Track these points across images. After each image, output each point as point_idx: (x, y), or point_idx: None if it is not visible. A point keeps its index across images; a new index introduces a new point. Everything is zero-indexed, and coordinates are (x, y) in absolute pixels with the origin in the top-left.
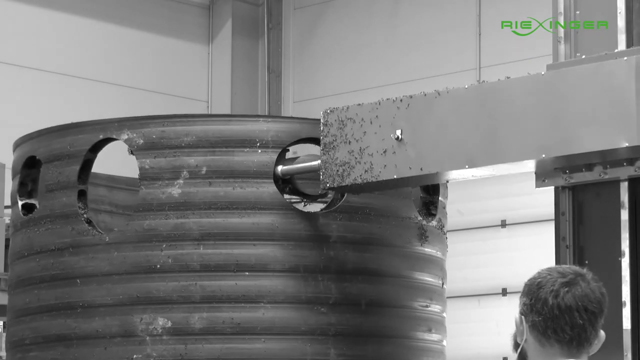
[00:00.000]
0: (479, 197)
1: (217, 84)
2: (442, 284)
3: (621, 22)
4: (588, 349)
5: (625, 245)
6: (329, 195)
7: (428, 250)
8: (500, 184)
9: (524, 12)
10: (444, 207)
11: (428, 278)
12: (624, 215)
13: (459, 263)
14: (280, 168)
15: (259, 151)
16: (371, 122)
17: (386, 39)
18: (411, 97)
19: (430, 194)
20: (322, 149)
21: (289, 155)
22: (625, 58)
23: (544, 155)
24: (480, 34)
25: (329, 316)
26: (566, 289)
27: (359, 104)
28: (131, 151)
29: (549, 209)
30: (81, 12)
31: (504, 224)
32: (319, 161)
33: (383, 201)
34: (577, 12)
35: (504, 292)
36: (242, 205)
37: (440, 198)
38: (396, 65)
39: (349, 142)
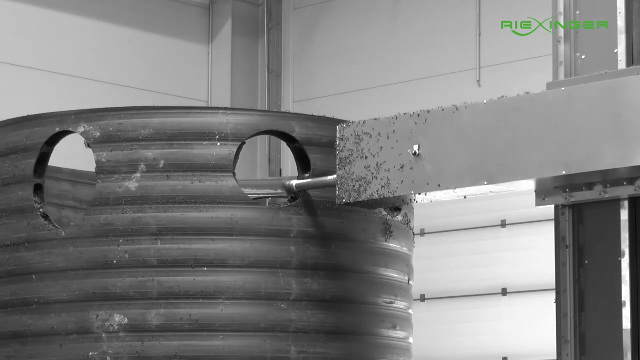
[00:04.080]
0: (479, 197)
1: (217, 84)
2: (408, 280)
3: (621, 22)
4: None
5: (625, 245)
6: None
7: (393, 245)
8: None
9: (524, 12)
10: None
11: (393, 274)
12: (624, 215)
13: (459, 263)
14: (295, 183)
15: (218, 144)
16: (388, 137)
17: (386, 39)
18: (429, 112)
19: None
20: (339, 164)
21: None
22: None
23: (564, 172)
24: (480, 34)
25: (289, 312)
26: None
27: (376, 119)
28: (88, 144)
29: (549, 209)
30: (80, 12)
31: (504, 224)
32: (335, 176)
33: None
34: (577, 12)
35: (504, 292)
36: (200, 200)
37: None
38: (396, 65)
39: (366, 157)
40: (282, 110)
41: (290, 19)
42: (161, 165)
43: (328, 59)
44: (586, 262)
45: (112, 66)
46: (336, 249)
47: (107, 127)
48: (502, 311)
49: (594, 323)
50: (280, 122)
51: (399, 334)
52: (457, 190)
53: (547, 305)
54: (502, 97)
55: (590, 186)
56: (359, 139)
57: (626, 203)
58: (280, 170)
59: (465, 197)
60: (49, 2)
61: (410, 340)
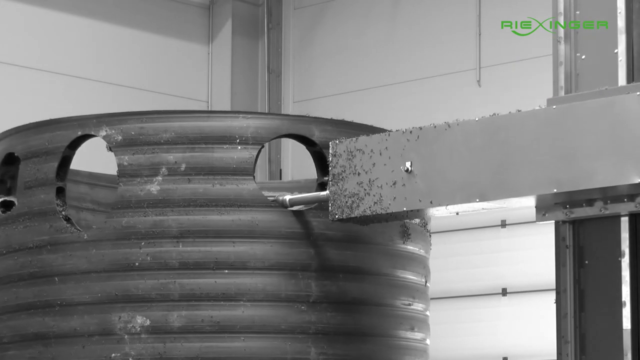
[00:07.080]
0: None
1: (217, 84)
2: (425, 282)
3: (621, 22)
4: None
5: (625, 245)
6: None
7: (411, 248)
8: None
9: (524, 12)
10: None
11: (411, 276)
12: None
13: (459, 263)
14: (288, 198)
15: (239, 147)
16: (380, 154)
17: (386, 39)
18: (421, 128)
19: None
20: (331, 180)
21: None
22: (638, 93)
23: (555, 190)
24: (480, 34)
25: (309, 314)
26: None
27: (368, 135)
28: (110, 148)
29: None
30: (81, 12)
31: (504, 224)
32: (327, 192)
33: None
34: (577, 12)
35: (504, 292)
36: (221, 202)
37: None
38: (396, 65)
39: (358, 174)
40: (282, 110)
41: (290, 19)
42: (182, 169)
43: (328, 59)
44: (586, 262)
45: (112, 66)
46: (355, 252)
47: (129, 130)
48: (502, 311)
49: (594, 323)
50: (299, 125)
51: (417, 335)
52: (449, 207)
53: (547, 305)
54: (494, 114)
55: (590, 202)
56: (352, 155)
57: (626, 219)
58: (280, 170)
59: (457, 214)
60: (49, 3)
61: (427, 341)
